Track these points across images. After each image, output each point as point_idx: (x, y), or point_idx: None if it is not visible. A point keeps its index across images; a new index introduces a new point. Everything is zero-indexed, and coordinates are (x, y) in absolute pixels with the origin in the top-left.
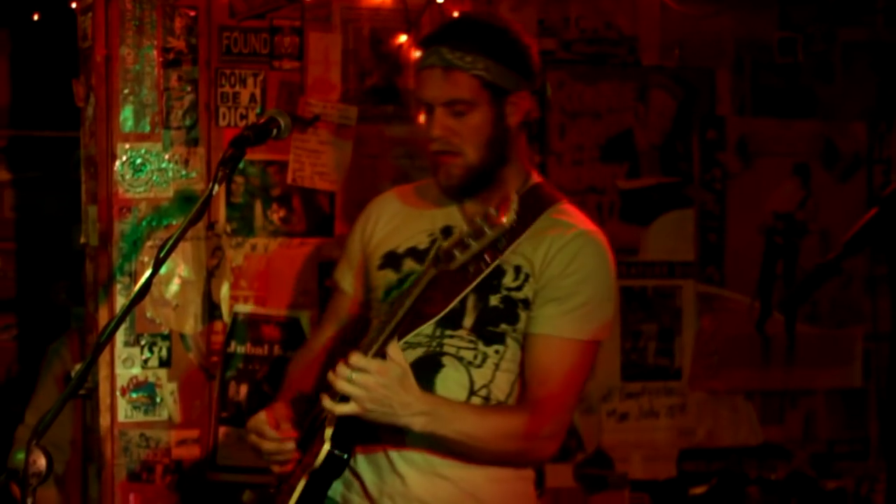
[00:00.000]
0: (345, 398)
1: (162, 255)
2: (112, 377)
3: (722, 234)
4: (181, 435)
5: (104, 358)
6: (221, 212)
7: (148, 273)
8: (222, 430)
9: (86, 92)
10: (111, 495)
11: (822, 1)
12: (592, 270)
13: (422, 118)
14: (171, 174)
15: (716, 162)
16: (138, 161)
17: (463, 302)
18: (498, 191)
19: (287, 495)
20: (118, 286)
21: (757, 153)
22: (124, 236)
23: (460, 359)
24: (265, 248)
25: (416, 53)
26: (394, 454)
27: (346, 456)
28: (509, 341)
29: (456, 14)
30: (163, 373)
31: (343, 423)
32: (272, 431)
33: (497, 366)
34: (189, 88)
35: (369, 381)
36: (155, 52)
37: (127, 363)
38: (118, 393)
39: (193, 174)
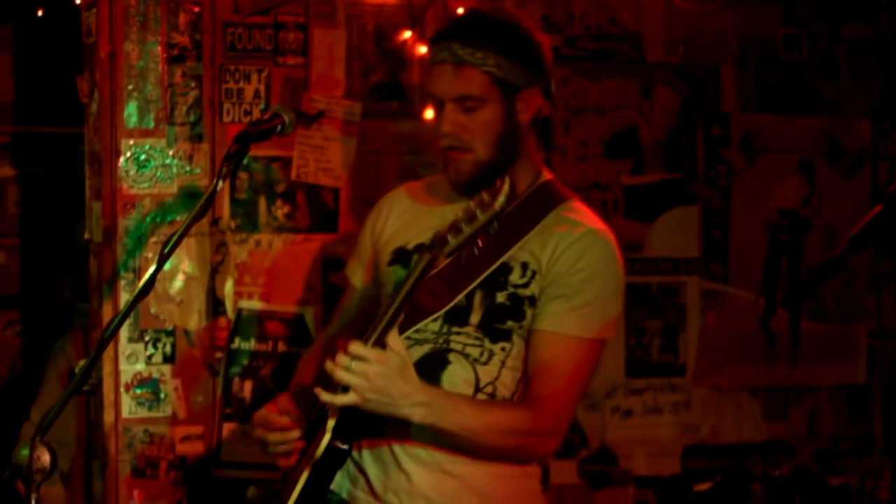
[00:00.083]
0: (345, 388)
1: (166, 251)
2: (116, 373)
3: (726, 231)
4: (185, 431)
5: (108, 354)
6: (225, 208)
7: (152, 269)
8: (226, 426)
9: (90, 88)
10: (115, 491)
11: None
12: (599, 269)
13: (429, 113)
14: (175, 170)
15: (720, 158)
16: (142, 157)
17: (470, 299)
18: (513, 190)
19: (291, 488)
20: (122, 282)
21: (761, 150)
22: (128, 232)
23: (466, 356)
24: (269, 245)
25: (427, 49)
26: (398, 449)
27: (347, 447)
28: (515, 338)
29: (460, 10)
30: (167, 369)
31: (345, 414)
32: (278, 421)
33: (503, 363)
34: (193, 84)
35: (368, 371)
36: (159, 48)
37: (131, 359)
38: (122, 389)
39: (197, 170)
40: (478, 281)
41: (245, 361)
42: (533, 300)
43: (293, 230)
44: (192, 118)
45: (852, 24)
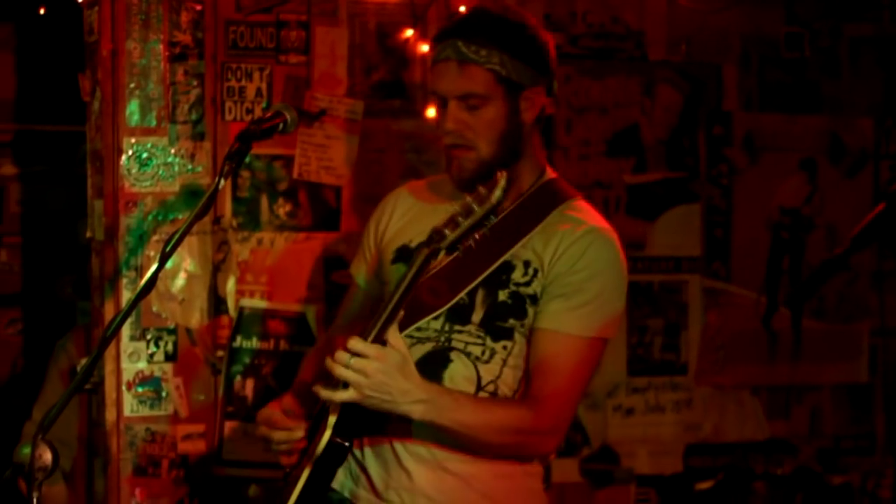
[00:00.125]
0: (345, 385)
1: (168, 249)
2: (118, 371)
3: (728, 230)
4: (187, 429)
5: (110, 352)
6: (227, 206)
7: (154, 267)
8: (228, 424)
9: (92, 86)
10: (117, 490)
11: None
12: (601, 268)
13: (432, 111)
14: (177, 168)
15: (722, 157)
16: (144, 155)
17: (472, 297)
18: (511, 186)
19: (292, 486)
20: (124, 280)
21: (763, 148)
22: (130, 231)
23: (468, 354)
24: (271, 243)
25: (430, 47)
26: (399, 447)
27: (347, 444)
28: (517, 337)
29: (462, 8)
30: (169, 367)
31: (346, 411)
32: (282, 419)
33: (505, 361)
34: (195, 83)
35: (367, 367)
36: (161, 47)
37: (133, 357)
38: (124, 387)
39: (199, 168)
40: (480, 279)
41: (247, 360)
42: (535, 298)
43: (295, 228)
44: (193, 116)
45: (854, 23)
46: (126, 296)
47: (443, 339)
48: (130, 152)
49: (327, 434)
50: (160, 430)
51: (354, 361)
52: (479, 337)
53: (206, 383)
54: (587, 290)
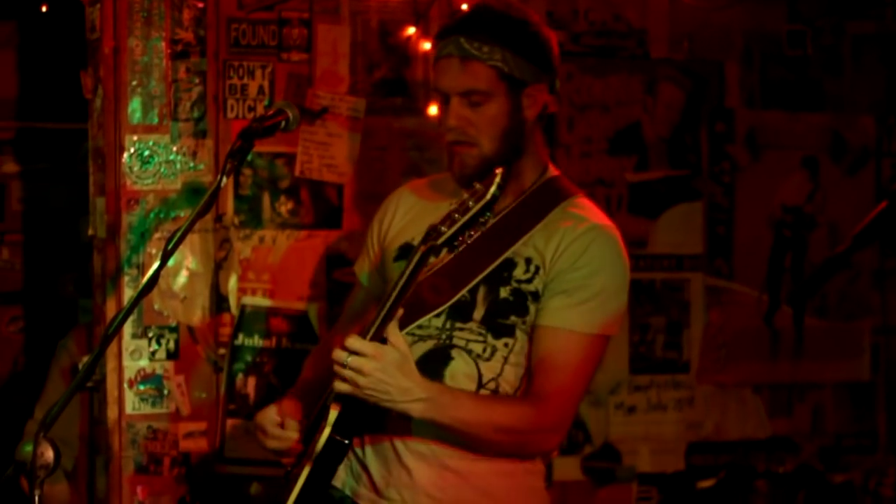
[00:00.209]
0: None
1: (170, 247)
2: (120, 369)
3: (730, 227)
4: (189, 427)
5: (112, 350)
6: (229, 204)
7: (156, 265)
8: (230, 422)
9: (94, 84)
10: (119, 488)
11: None
12: (603, 264)
13: (434, 109)
14: (179, 166)
15: (724, 154)
16: (146, 153)
17: (473, 294)
18: (513, 183)
19: (293, 483)
20: (126, 278)
21: (765, 146)
22: (132, 228)
23: (469, 351)
24: (273, 241)
25: (433, 44)
26: (400, 445)
27: (347, 441)
28: (519, 334)
29: (464, 6)
30: (170, 365)
31: (346, 409)
32: (276, 430)
33: (506, 359)
34: (197, 80)
35: (365, 366)
36: (163, 44)
37: (135, 355)
38: (126, 385)
39: (201, 166)
40: (481, 276)
41: (249, 358)
42: (536, 295)
43: (297, 226)
44: (195, 114)
45: (857, 21)
46: (128, 294)
47: (444, 336)
48: (132, 150)
49: (327, 432)
50: (162, 427)
51: (352, 360)
52: (480, 334)
53: (208, 381)
54: (589, 286)
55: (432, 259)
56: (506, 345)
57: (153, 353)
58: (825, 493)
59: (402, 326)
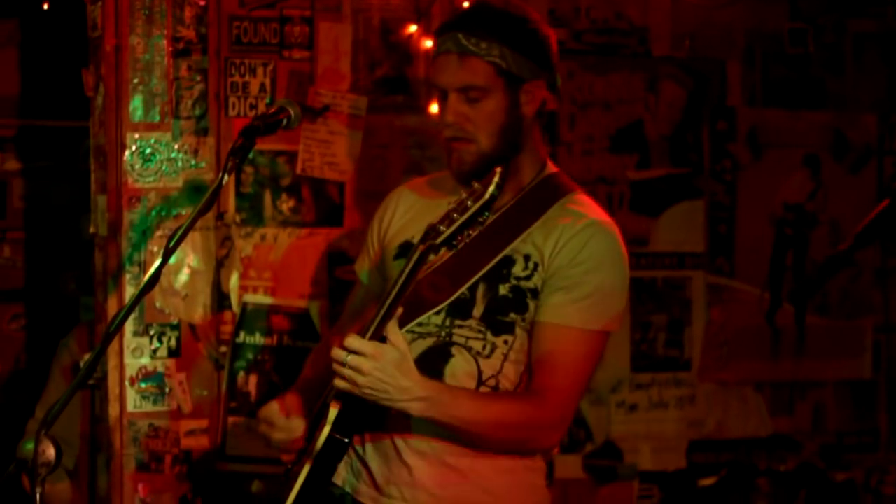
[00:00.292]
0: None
1: (171, 244)
2: (121, 367)
3: (732, 225)
4: (190, 425)
5: (113, 348)
6: (231, 202)
7: (157, 263)
8: (231, 420)
9: (95, 81)
10: (120, 485)
11: None
12: (602, 261)
13: (436, 107)
14: (180, 164)
15: (726, 153)
16: (148, 151)
17: (472, 291)
18: (511, 179)
19: (293, 481)
20: (127, 276)
21: (767, 144)
22: (133, 226)
23: (469, 349)
24: (275, 239)
25: (432, 41)
26: (400, 442)
27: (347, 440)
28: (518, 331)
29: (466, 4)
30: (172, 363)
31: (346, 407)
32: (282, 420)
33: (506, 356)
34: (199, 78)
35: (364, 365)
36: (165, 42)
37: (136, 353)
38: (127, 383)
39: (203, 164)
40: (480, 273)
41: (250, 356)
42: (535, 292)
43: (298, 224)
44: (197, 112)
45: (858, 19)
46: (129, 291)
47: (444, 333)
48: (134, 148)
49: (326, 430)
50: (163, 425)
51: (351, 359)
52: (479, 331)
53: (210, 379)
54: (588, 282)
55: (431, 257)
56: (505, 342)
57: (154, 351)
58: (827, 492)
59: (401, 324)
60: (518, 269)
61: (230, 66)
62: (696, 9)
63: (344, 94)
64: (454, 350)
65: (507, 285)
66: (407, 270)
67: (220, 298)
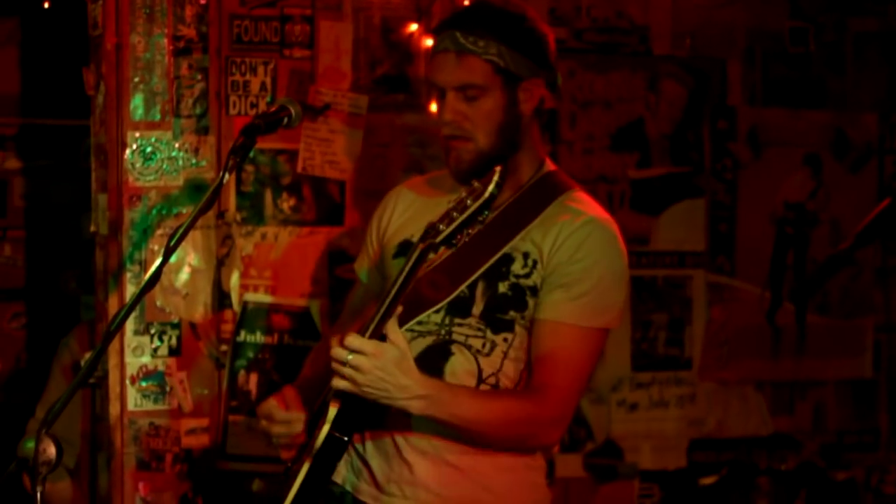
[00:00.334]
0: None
1: (172, 243)
2: (122, 366)
3: (732, 224)
4: (191, 424)
5: (114, 346)
6: (231, 200)
7: (158, 262)
8: (232, 419)
9: (96, 80)
10: (121, 484)
11: None
12: (601, 257)
13: (434, 104)
14: (181, 163)
15: (727, 152)
16: (148, 149)
17: (472, 290)
18: (510, 177)
19: (292, 479)
20: (128, 275)
21: (768, 143)
22: (134, 225)
23: (469, 347)
24: (275, 237)
25: (430, 39)
26: (400, 440)
27: (346, 438)
28: (518, 329)
29: (466, 2)
30: (172, 361)
31: (346, 405)
32: (282, 413)
33: (505, 354)
34: (199, 77)
35: (363, 363)
36: (165, 41)
37: (137, 352)
38: (128, 381)
39: (203, 163)
40: (480, 272)
41: (251, 354)
42: (535, 290)
43: (299, 223)
44: (198, 111)
45: (859, 18)
46: (130, 290)
47: (443, 332)
48: (134, 146)
49: (326, 428)
50: (164, 424)
51: (352, 357)
52: (479, 329)
53: (210, 378)
54: (587, 279)
55: (431, 256)
56: (505, 340)
57: (155, 350)
58: (827, 491)
59: (401, 323)
60: (517, 267)
61: (231, 65)
62: (696, 8)
63: (345, 93)
64: (454, 348)
65: (506, 283)
66: (407, 269)
67: (220, 297)
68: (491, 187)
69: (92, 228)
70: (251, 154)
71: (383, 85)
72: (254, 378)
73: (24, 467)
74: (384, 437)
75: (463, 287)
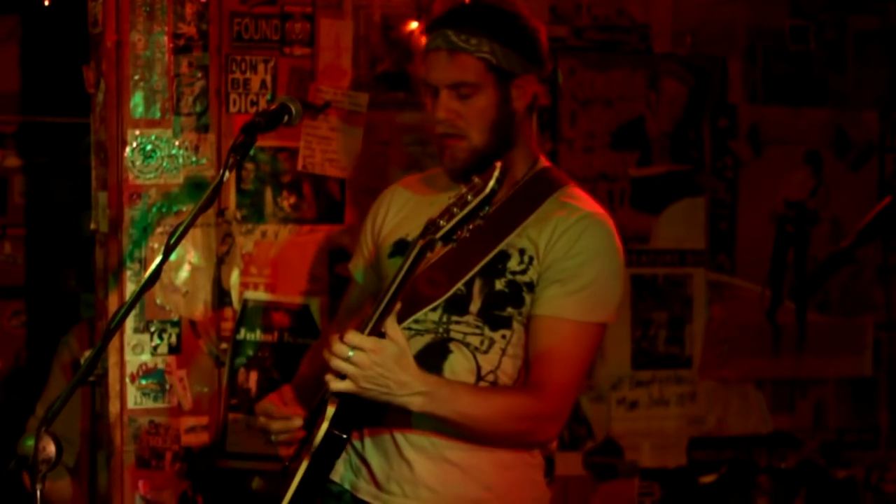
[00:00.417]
0: (343, 376)
1: (172, 241)
2: (122, 364)
3: (733, 223)
4: (190, 422)
5: (114, 344)
6: (232, 198)
7: (158, 259)
8: (231, 417)
9: (96, 78)
10: (120, 482)
11: None
12: (597, 253)
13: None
14: (181, 160)
15: (727, 150)
16: (148, 147)
17: (469, 287)
18: (505, 175)
19: (291, 478)
20: (128, 273)
21: (768, 141)
22: (134, 223)
23: (467, 344)
24: (275, 235)
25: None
26: (400, 438)
27: (345, 436)
28: (515, 325)
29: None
30: (172, 359)
31: (345, 403)
32: (280, 410)
33: (503, 351)
34: (200, 75)
35: (364, 360)
36: (165, 38)
37: (136, 350)
38: (128, 379)
39: (204, 160)
40: (476, 269)
41: (250, 352)
42: (531, 286)
43: (299, 221)
44: (198, 108)
45: (860, 16)
46: (130, 288)
47: (441, 330)
48: (134, 144)
49: (325, 426)
50: (163, 422)
51: (351, 354)
52: (477, 327)
53: (210, 376)
54: (584, 274)
55: (429, 253)
56: (503, 337)
57: (155, 348)
58: (827, 489)
59: (399, 320)
60: (513, 264)
61: (231, 63)
62: (697, 6)
63: (345, 91)
64: (452, 346)
65: (502, 280)
66: (406, 266)
67: (220, 295)
68: (492, 182)
69: (92, 226)
70: (251, 152)
71: (384, 83)
72: (254, 376)
73: (23, 465)
74: (383, 435)
75: (459, 284)
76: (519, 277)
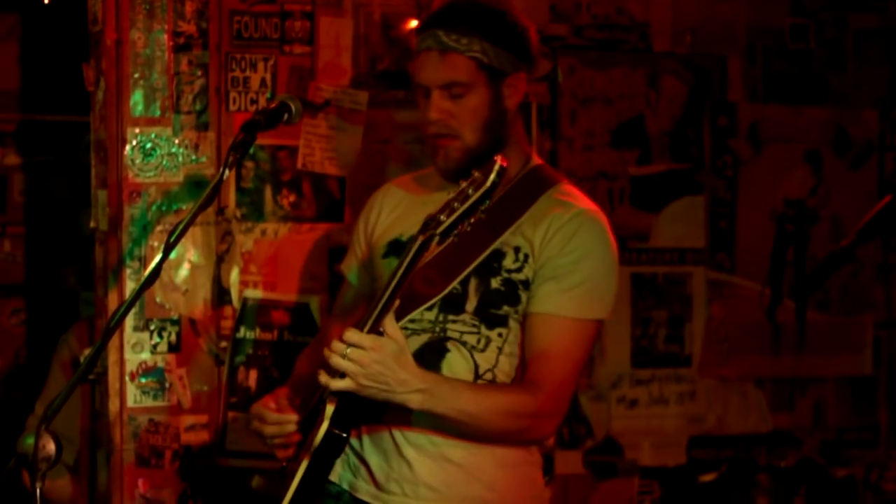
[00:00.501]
0: (342, 375)
1: (172, 239)
2: (121, 362)
3: (733, 221)
4: (190, 420)
5: (113, 343)
6: (231, 197)
7: (158, 258)
8: (231, 415)
9: (96, 76)
10: (120, 480)
11: None
12: (591, 249)
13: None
14: (181, 159)
15: (727, 148)
16: (148, 145)
17: (465, 286)
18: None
19: (290, 477)
20: (128, 271)
21: (768, 140)
22: (134, 221)
23: (464, 343)
24: (275, 234)
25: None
26: (399, 436)
27: (345, 435)
28: (512, 323)
29: None
30: (172, 358)
31: (344, 401)
32: (273, 415)
33: (500, 349)
34: (199, 73)
35: (363, 358)
36: (165, 37)
37: (136, 348)
38: (127, 378)
39: (203, 159)
40: (471, 267)
41: (250, 350)
42: (527, 284)
43: (299, 219)
44: (198, 107)
45: (860, 14)
46: (130, 286)
47: (438, 329)
48: (134, 142)
49: (325, 425)
50: (163, 420)
51: (351, 352)
52: (474, 326)
53: (210, 374)
54: (579, 271)
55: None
56: (500, 335)
57: (155, 346)
58: (827, 488)
59: (396, 319)
60: (509, 262)
61: (231, 61)
62: (697, 4)
63: (344, 89)
64: (449, 345)
65: (498, 278)
66: (406, 262)
67: (220, 293)
68: (492, 176)
69: (91, 224)
70: (251, 150)
71: (383, 81)
72: (253, 374)
73: (23, 464)
74: (382, 434)
75: (455, 283)
76: (514, 275)
